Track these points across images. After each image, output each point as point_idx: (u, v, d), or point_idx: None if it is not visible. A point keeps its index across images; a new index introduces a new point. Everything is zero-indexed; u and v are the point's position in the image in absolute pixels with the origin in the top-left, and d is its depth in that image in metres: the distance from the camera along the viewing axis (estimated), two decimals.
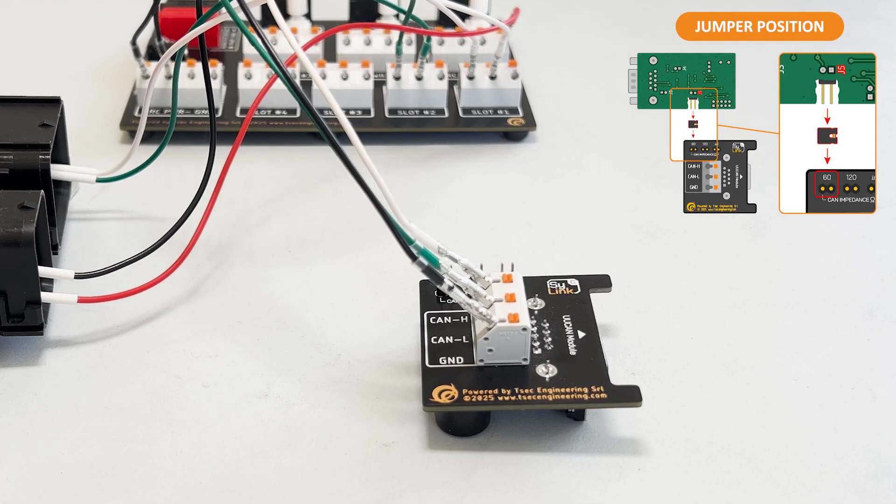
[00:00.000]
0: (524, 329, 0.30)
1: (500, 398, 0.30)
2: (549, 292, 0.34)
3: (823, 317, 0.36)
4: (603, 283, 0.34)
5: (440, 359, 0.31)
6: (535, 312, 0.33)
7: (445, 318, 0.33)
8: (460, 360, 0.31)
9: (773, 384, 0.33)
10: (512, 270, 0.32)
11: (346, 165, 0.27)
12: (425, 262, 0.29)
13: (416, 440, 0.31)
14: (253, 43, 0.27)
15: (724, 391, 0.33)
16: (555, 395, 0.30)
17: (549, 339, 0.32)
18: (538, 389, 0.30)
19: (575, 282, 0.34)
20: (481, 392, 0.30)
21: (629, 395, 0.30)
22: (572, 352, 0.31)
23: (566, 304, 0.33)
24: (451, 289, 0.30)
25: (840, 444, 0.31)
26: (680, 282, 0.38)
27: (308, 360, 0.34)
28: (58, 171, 0.38)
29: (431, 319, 0.33)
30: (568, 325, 0.32)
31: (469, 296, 0.30)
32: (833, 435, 0.31)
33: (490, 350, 0.31)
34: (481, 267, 0.31)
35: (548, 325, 0.32)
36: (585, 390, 0.30)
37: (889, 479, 0.30)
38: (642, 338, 0.35)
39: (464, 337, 0.32)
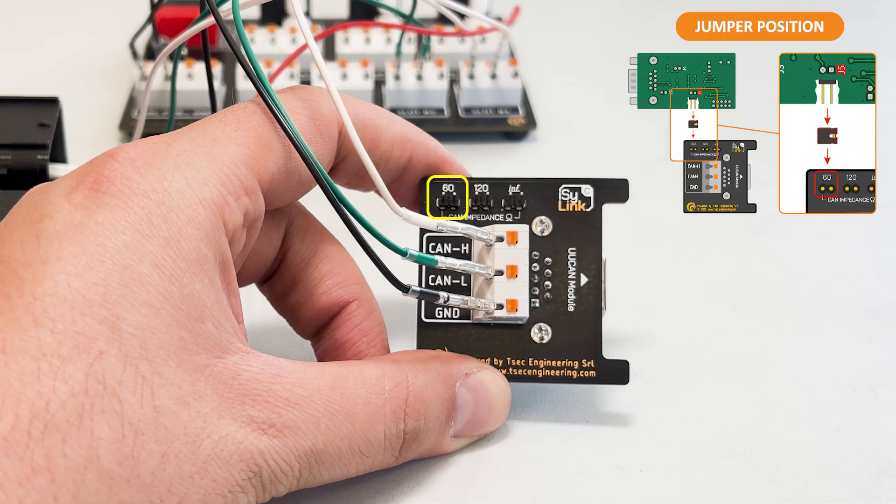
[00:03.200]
0: (522, 318, 0.30)
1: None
2: (560, 207, 0.32)
3: (825, 317, 0.36)
4: (619, 192, 0.32)
5: (436, 310, 0.31)
6: (541, 238, 0.31)
7: (446, 278, 0.32)
8: (456, 314, 0.31)
9: (775, 385, 0.33)
10: (523, 188, 0.32)
11: (323, 190, 0.27)
12: (418, 289, 0.29)
13: None
14: (232, 47, 0.27)
15: (725, 392, 0.33)
16: (545, 371, 0.30)
17: (549, 285, 0.31)
18: (529, 361, 0.31)
19: (589, 191, 0.32)
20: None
21: (617, 374, 0.30)
22: (570, 307, 0.31)
23: (575, 228, 0.31)
24: (447, 301, 0.30)
25: (843, 446, 0.31)
26: (680, 282, 0.38)
27: (308, 357, 0.33)
28: (56, 171, 0.38)
29: (431, 278, 0.32)
30: (572, 263, 0.31)
31: (466, 286, 0.31)
32: (835, 436, 0.31)
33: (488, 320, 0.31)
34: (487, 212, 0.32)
35: (550, 262, 0.31)
36: (575, 364, 0.30)
37: (892, 480, 0.30)
38: (643, 338, 0.35)
39: (461, 279, 0.32)
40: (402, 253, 0.28)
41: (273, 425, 0.25)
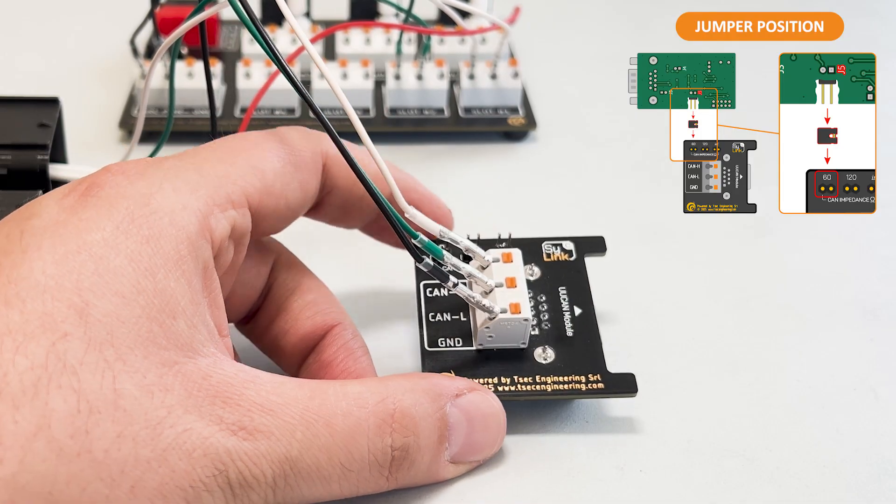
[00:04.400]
0: (525, 320, 0.30)
1: (500, 388, 0.30)
2: (545, 258, 0.33)
3: (825, 317, 0.36)
4: (597, 246, 0.34)
5: (439, 340, 0.31)
6: (531, 282, 0.33)
7: (442, 291, 0.33)
8: (458, 343, 0.31)
9: (775, 385, 0.33)
10: (509, 246, 0.33)
11: (345, 158, 0.27)
12: (431, 263, 0.29)
13: None
14: (252, 32, 0.27)
15: (725, 392, 0.33)
16: (553, 385, 0.31)
17: (546, 316, 0.32)
18: (537, 378, 0.31)
19: (570, 245, 0.34)
20: (481, 381, 0.30)
21: (625, 385, 0.31)
22: (569, 332, 0.32)
23: (562, 274, 0.33)
24: (455, 286, 0.30)
25: (842, 446, 0.31)
26: (680, 282, 0.38)
27: None
28: (56, 171, 0.38)
29: (428, 291, 0.33)
30: (564, 299, 0.32)
31: (468, 284, 0.31)
32: (835, 436, 0.31)
33: (490, 337, 0.31)
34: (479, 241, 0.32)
35: (544, 298, 0.32)
36: (583, 379, 0.31)
37: (892, 480, 0.30)
38: (643, 338, 0.35)
39: (461, 314, 0.32)
40: (414, 236, 0.29)
41: (244, 428, 0.24)
